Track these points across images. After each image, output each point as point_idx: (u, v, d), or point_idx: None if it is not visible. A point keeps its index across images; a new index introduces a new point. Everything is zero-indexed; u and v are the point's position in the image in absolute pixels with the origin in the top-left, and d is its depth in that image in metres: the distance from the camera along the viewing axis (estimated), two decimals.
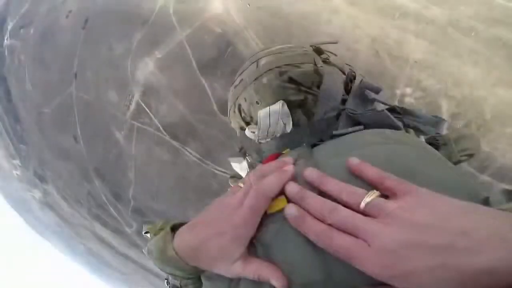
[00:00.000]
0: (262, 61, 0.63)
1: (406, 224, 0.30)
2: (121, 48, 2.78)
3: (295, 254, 0.37)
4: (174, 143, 2.55)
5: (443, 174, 0.39)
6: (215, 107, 2.24)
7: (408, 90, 1.89)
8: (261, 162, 0.64)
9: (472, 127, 1.82)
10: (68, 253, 6.19)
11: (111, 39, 2.88)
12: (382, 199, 0.34)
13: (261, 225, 0.40)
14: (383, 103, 0.58)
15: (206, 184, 2.57)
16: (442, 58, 1.80)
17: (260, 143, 0.63)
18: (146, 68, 2.59)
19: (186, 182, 2.69)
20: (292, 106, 0.58)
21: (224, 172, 2.42)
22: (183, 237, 0.45)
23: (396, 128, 0.53)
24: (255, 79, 0.61)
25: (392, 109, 0.58)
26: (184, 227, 0.47)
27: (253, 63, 0.65)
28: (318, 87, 0.59)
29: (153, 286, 4.71)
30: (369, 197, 0.34)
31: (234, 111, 0.67)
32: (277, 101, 0.57)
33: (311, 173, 0.40)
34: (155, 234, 0.50)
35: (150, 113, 2.61)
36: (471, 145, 0.65)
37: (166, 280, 0.52)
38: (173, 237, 0.46)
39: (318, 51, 0.67)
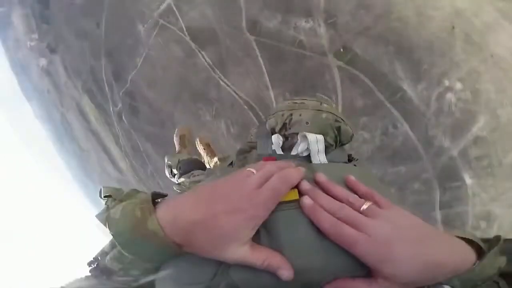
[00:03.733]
0: (325, 105, 0.71)
1: (394, 224, 0.38)
2: None
3: (301, 242, 0.39)
4: (192, 44, 2.46)
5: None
6: (243, 24, 2.15)
7: (459, 86, 1.60)
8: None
9: (491, 163, 1.63)
10: (44, 119, 5.96)
11: None
12: (375, 206, 0.41)
13: (276, 209, 0.40)
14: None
15: (205, 90, 2.52)
16: None
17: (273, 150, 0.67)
18: None
19: (187, 82, 2.62)
20: None
21: (228, 86, 2.37)
22: (177, 209, 0.38)
23: None
24: (317, 110, 0.68)
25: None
26: (177, 198, 0.40)
27: (317, 101, 0.72)
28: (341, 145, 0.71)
29: (105, 172, 4.68)
30: (367, 204, 0.41)
31: (283, 115, 0.69)
32: (319, 133, 0.64)
33: (321, 177, 0.45)
34: (120, 201, 0.41)
35: (178, 14, 2.48)
36: None
37: (92, 261, 0.42)
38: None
39: None
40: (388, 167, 1.86)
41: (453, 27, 1.55)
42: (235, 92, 2.36)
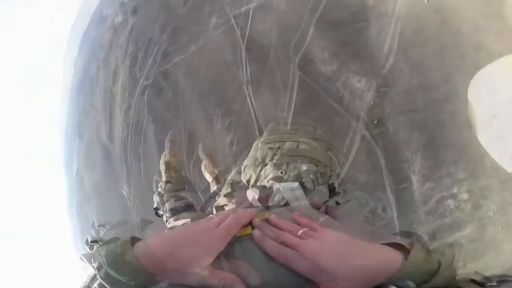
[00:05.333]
0: (319, 131, 0.78)
1: (323, 242, 0.47)
2: None
3: (257, 262, 0.46)
4: (244, 54, 2.43)
5: None
6: (298, 57, 2.11)
7: (464, 196, 1.46)
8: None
9: None
10: (79, 67, 6.02)
11: None
12: (309, 231, 0.50)
13: (235, 242, 0.49)
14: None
15: (230, 100, 2.44)
16: None
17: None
18: None
19: (219, 86, 2.58)
20: None
21: (252, 105, 2.28)
22: (151, 244, 0.46)
23: None
24: (312, 138, 0.75)
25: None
26: (152, 237, 0.48)
27: (311, 126, 0.79)
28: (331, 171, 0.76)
29: (97, 135, 4.48)
30: (302, 230, 0.50)
31: (265, 158, 0.75)
32: (310, 162, 0.70)
33: (271, 215, 0.55)
34: (105, 244, 0.49)
35: (249, 21, 2.49)
36: None
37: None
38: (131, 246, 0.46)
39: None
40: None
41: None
42: (255, 113, 2.25)
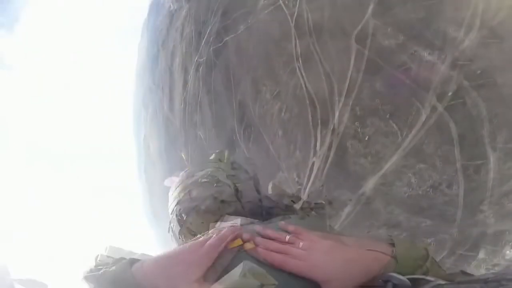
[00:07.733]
0: (193, 193, 0.74)
1: (307, 244, 0.50)
2: None
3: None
4: (293, 30, 2.19)
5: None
6: (355, 31, 1.83)
7: None
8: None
9: None
10: (142, 51, 6.13)
11: None
12: (295, 237, 0.53)
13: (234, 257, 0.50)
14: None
15: (279, 72, 2.26)
16: None
17: None
18: None
19: (268, 59, 2.39)
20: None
21: (302, 76, 2.08)
22: (145, 263, 0.50)
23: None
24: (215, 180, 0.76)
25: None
26: (149, 259, 0.51)
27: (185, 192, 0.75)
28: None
29: (160, 107, 4.53)
30: (288, 236, 0.53)
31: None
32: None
33: (258, 227, 0.57)
34: (110, 265, 0.52)
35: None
36: None
37: None
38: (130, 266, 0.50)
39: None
40: (414, 215, 1.55)
41: None
42: (305, 84, 2.05)
